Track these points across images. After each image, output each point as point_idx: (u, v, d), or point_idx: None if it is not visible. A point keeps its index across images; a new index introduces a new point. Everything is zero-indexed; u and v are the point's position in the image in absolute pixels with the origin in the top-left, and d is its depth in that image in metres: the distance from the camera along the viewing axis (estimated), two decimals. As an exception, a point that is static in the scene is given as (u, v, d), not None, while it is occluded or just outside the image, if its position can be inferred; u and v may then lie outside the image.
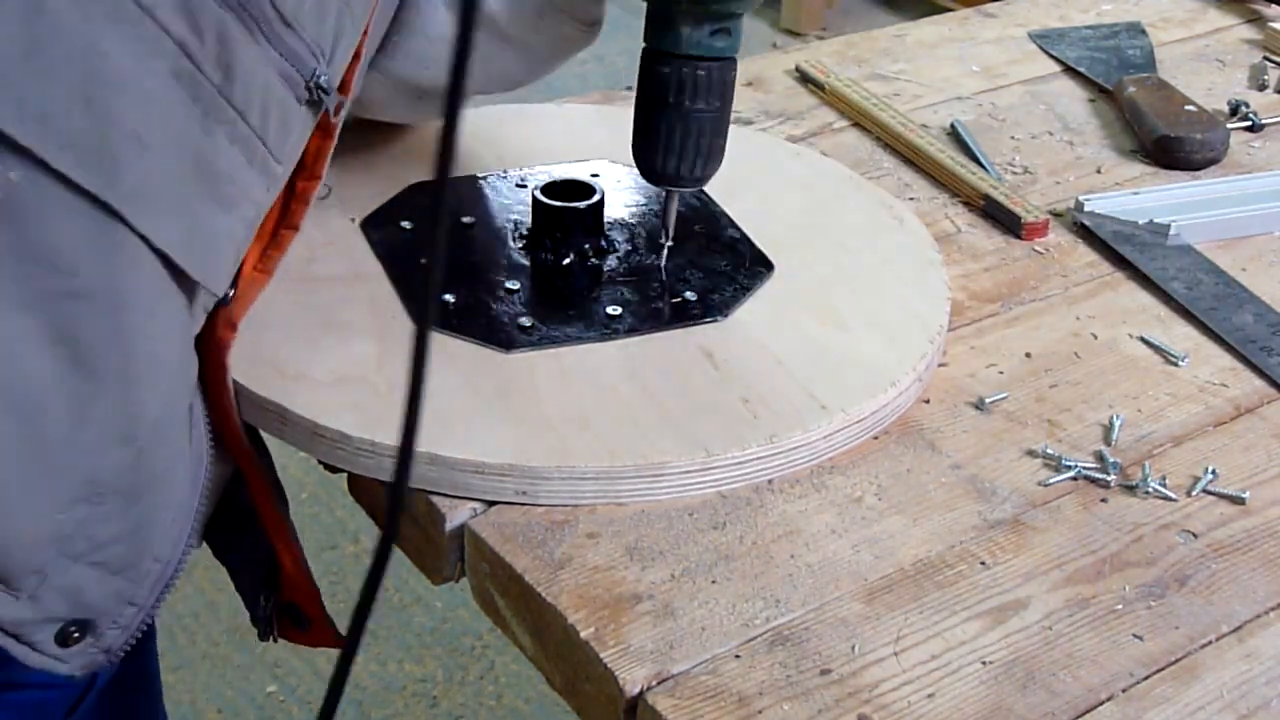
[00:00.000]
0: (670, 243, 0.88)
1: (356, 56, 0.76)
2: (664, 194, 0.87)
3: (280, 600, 0.87)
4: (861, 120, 1.13)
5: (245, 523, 0.83)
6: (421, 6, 0.89)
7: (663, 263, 0.88)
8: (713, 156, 0.84)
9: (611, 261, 0.89)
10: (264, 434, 0.80)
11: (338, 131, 0.76)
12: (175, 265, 0.68)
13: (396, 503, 0.56)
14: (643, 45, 0.81)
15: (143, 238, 0.66)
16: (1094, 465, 0.79)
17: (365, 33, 0.76)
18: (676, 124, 0.82)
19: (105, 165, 0.63)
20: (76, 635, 0.73)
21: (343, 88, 0.75)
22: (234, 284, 0.75)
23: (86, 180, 0.63)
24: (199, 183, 0.68)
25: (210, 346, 0.75)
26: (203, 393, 0.77)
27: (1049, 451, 0.79)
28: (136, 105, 0.64)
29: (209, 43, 0.66)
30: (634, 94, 0.83)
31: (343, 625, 0.63)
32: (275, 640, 0.89)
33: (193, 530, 0.77)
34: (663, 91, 0.81)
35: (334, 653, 0.61)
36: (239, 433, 0.79)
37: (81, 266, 0.64)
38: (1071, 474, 0.78)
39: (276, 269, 0.77)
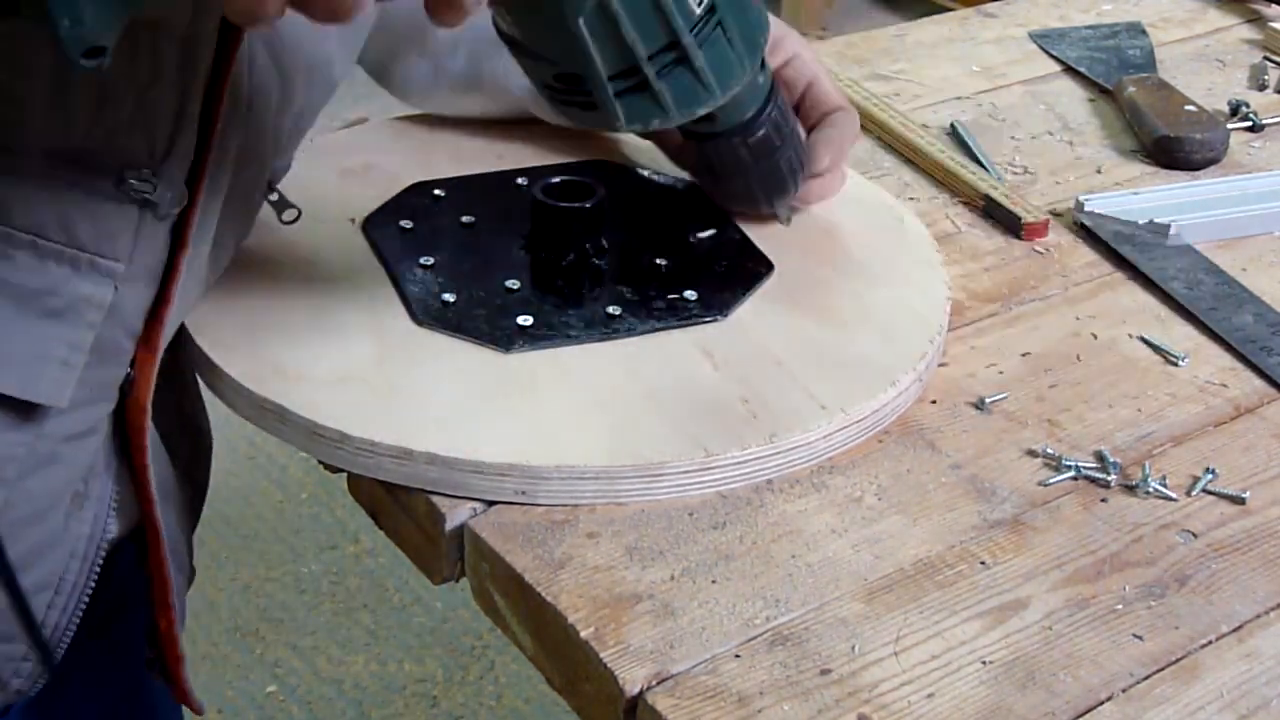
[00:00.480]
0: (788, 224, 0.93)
1: (208, 149, 0.75)
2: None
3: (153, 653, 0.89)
4: (861, 120, 1.12)
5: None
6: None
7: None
8: (794, 182, 0.90)
9: (611, 261, 0.89)
10: (267, 434, 0.80)
11: (193, 227, 0.76)
12: (12, 399, 0.71)
13: None
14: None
15: None
16: (1094, 465, 0.79)
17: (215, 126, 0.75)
18: (753, 181, 0.89)
19: None
20: None
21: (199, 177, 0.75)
22: (131, 365, 0.77)
23: None
24: (9, 304, 0.70)
25: (128, 428, 0.78)
26: (126, 469, 0.79)
27: (1049, 451, 0.79)
28: None
29: None
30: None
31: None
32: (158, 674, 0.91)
33: (86, 591, 0.79)
34: (726, 161, 0.87)
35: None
36: (152, 507, 0.80)
37: None
38: (1071, 474, 0.78)
39: (162, 342, 0.77)
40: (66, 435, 0.75)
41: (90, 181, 0.71)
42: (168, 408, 0.85)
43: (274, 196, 0.88)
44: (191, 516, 0.91)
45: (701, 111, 0.74)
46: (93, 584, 0.80)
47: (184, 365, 0.86)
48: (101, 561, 0.80)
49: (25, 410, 0.72)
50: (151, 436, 0.80)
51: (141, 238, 0.73)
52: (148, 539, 0.82)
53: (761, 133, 0.84)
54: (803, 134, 0.91)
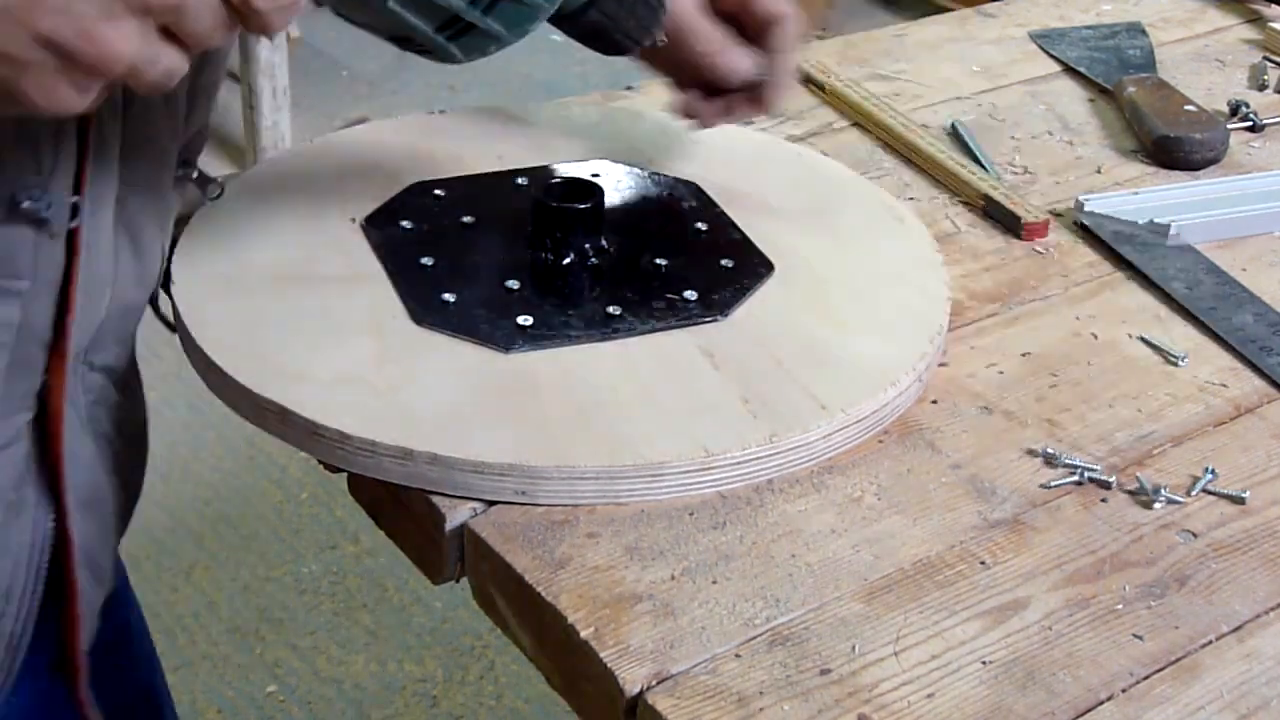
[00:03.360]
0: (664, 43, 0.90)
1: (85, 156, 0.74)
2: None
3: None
4: (862, 120, 1.13)
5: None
6: None
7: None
8: (656, 21, 0.87)
9: (611, 261, 0.89)
10: (267, 434, 0.80)
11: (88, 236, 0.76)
12: None
13: None
14: None
15: None
16: (1094, 465, 0.79)
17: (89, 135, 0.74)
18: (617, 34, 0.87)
19: None
20: None
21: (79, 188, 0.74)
22: (45, 372, 0.77)
23: None
24: None
25: (48, 437, 0.78)
26: (45, 477, 0.79)
27: (1049, 451, 0.79)
28: None
29: None
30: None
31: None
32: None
33: (35, 597, 0.79)
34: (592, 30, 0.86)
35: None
36: (66, 517, 0.80)
37: None
38: (1073, 475, 0.78)
39: (72, 346, 0.77)
40: None
41: None
42: (118, 413, 0.85)
43: (194, 174, 0.88)
44: (120, 523, 0.90)
45: (535, 26, 0.76)
46: (41, 590, 0.80)
47: (134, 369, 0.86)
48: (47, 567, 0.80)
49: None
50: (79, 444, 0.80)
51: (40, 254, 0.73)
52: (61, 547, 0.81)
53: None
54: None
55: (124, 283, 0.80)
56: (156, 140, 0.81)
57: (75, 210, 0.74)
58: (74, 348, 0.77)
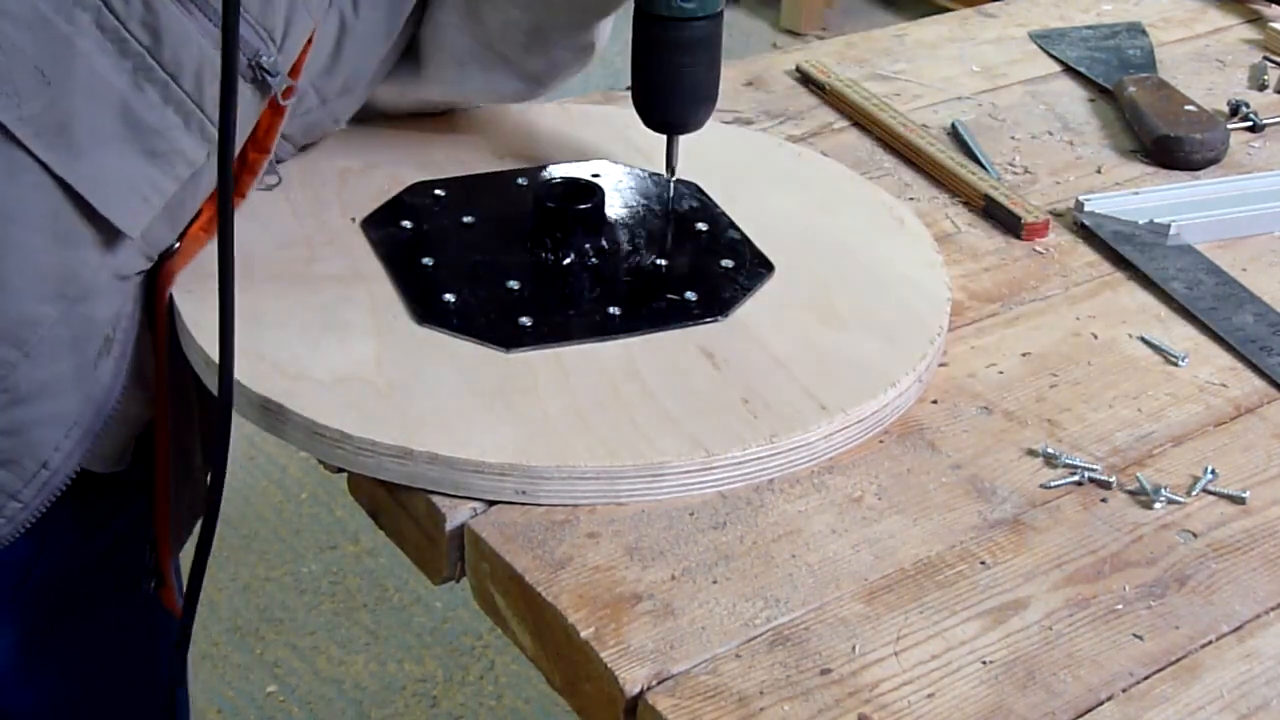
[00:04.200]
0: (674, 177, 0.92)
1: (308, 44, 0.81)
2: (666, 141, 0.91)
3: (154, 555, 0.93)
4: (861, 120, 1.13)
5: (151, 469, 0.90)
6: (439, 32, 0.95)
7: (670, 197, 0.93)
8: (704, 103, 0.89)
9: (611, 261, 0.89)
10: (267, 434, 0.80)
11: (288, 112, 0.83)
12: (79, 196, 0.74)
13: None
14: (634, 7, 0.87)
15: (42, 164, 0.73)
16: (1094, 465, 0.79)
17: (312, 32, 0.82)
18: (670, 78, 0.87)
19: (4, 92, 0.70)
20: None
21: (294, 72, 0.81)
22: (179, 238, 0.82)
23: None
24: (124, 130, 0.75)
25: (155, 297, 0.83)
26: (151, 339, 0.84)
27: (1049, 451, 0.79)
28: (43, 43, 0.71)
29: (134, 5, 0.73)
30: (629, 93, 0.85)
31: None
32: (155, 590, 0.94)
33: (90, 450, 0.83)
34: (654, 50, 0.87)
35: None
36: (163, 385, 0.85)
37: None
38: (1073, 476, 0.78)
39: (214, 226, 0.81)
40: (117, 272, 0.79)
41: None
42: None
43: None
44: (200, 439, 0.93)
45: None
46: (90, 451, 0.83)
47: None
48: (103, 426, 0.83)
49: (103, 233, 0.77)
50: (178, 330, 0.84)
51: (244, 117, 0.79)
52: (156, 422, 0.86)
53: (715, 30, 0.87)
54: None
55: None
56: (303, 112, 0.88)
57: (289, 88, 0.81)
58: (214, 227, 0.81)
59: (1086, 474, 0.78)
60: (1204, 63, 1.25)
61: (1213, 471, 0.79)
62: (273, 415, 0.77)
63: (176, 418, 0.87)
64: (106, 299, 0.80)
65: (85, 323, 0.79)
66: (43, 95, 0.72)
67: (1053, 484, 0.78)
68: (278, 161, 0.93)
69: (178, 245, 0.83)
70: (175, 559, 0.92)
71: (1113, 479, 0.78)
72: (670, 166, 0.91)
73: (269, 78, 0.79)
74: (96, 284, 0.79)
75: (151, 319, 0.84)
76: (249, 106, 0.80)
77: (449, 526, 0.74)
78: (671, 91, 0.87)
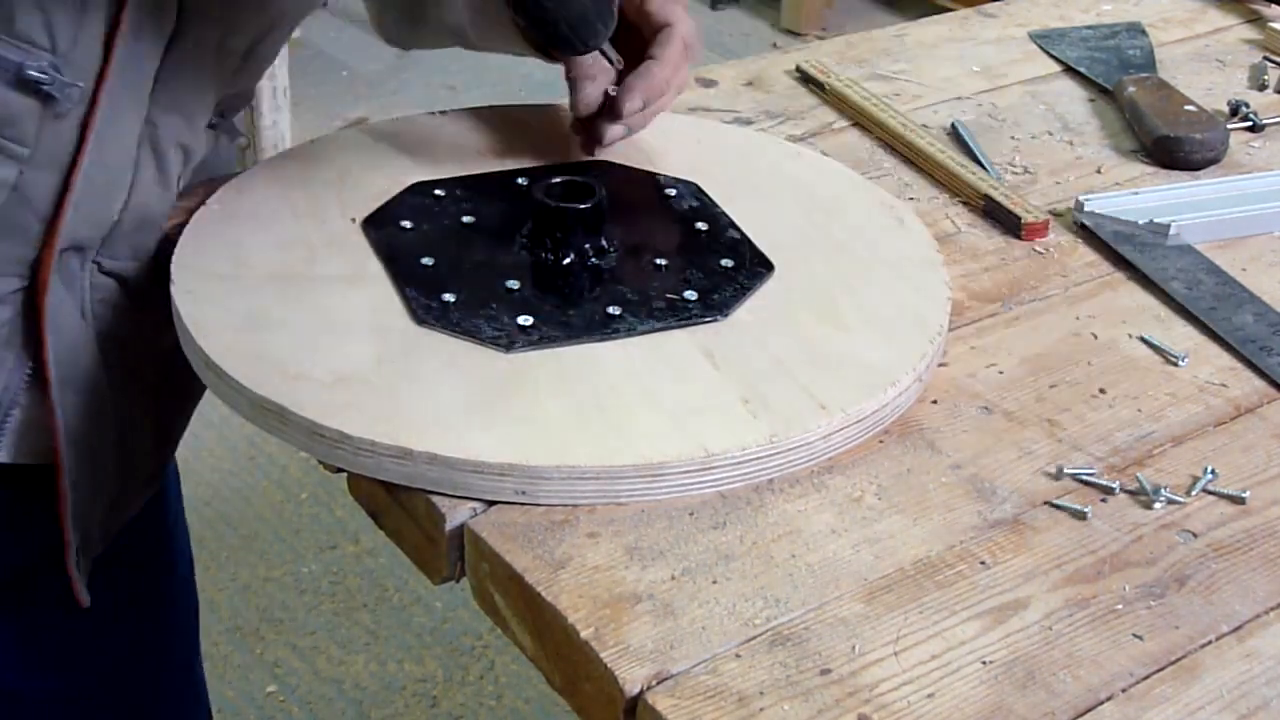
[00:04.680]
0: (621, 67, 0.92)
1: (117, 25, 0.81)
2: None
3: None
4: (861, 120, 1.13)
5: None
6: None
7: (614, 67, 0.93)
8: (602, 21, 0.88)
9: (611, 261, 0.89)
10: (267, 434, 0.80)
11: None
12: None
13: None
14: None
15: None
16: (1094, 467, 0.79)
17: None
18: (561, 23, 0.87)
19: None
20: None
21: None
22: (40, 248, 0.84)
23: None
24: None
25: (37, 300, 0.85)
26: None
27: (1059, 466, 0.79)
28: None
29: None
30: None
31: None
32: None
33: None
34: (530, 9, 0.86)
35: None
36: (48, 385, 0.86)
37: None
38: (1073, 476, 0.78)
39: (63, 227, 0.84)
40: None
41: None
42: (130, 324, 0.90)
43: (226, 125, 0.93)
44: (133, 437, 0.94)
45: None
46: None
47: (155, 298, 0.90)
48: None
49: None
50: (76, 331, 0.86)
51: (45, 129, 0.80)
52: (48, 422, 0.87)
53: None
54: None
55: (143, 193, 0.86)
56: (200, 81, 0.87)
57: (93, 103, 0.81)
58: (70, 232, 0.83)
59: (1087, 475, 0.78)
60: (1204, 63, 1.25)
61: (1213, 471, 0.79)
62: (273, 415, 0.77)
63: (75, 416, 0.88)
64: None
65: None
66: None
67: (1057, 501, 0.77)
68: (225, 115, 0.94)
69: (39, 256, 0.84)
70: (82, 559, 0.92)
71: (1116, 484, 0.78)
72: (610, 60, 0.91)
73: (45, 85, 0.79)
74: None
75: (35, 323, 0.85)
76: (32, 116, 0.80)
77: (449, 526, 0.74)
78: (564, 30, 0.87)
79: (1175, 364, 0.88)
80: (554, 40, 0.88)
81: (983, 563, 0.73)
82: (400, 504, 0.76)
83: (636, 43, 0.94)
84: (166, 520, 1.07)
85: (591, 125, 0.95)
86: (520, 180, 0.96)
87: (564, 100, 1.06)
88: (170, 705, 1.12)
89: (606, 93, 0.92)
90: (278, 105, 2.91)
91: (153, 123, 0.85)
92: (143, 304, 0.90)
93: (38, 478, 0.88)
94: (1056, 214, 1.02)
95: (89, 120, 0.81)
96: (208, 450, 2.22)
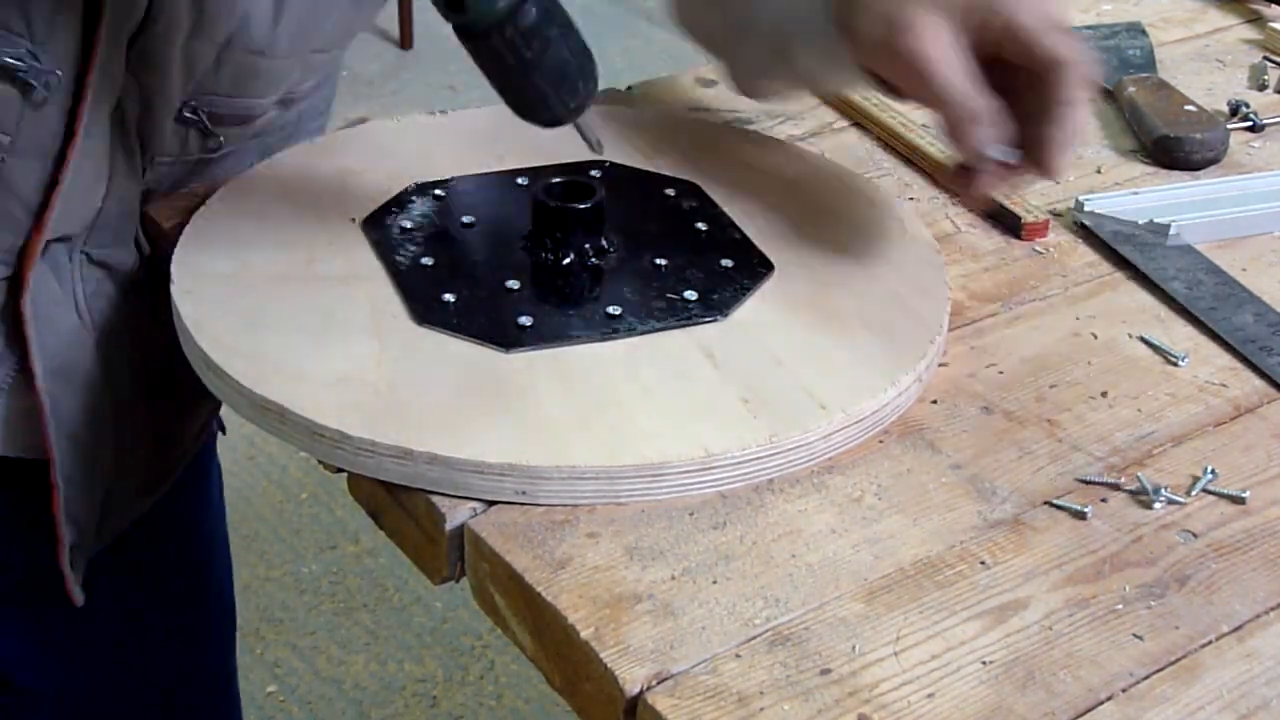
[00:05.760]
0: (601, 153, 0.88)
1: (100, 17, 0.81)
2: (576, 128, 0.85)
3: None
4: (861, 120, 1.13)
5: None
6: None
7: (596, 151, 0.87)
8: (578, 80, 0.81)
9: (611, 261, 0.89)
10: (267, 434, 0.80)
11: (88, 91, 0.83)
12: None
13: None
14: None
15: None
16: (1094, 467, 0.79)
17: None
18: (536, 78, 0.80)
19: None
20: None
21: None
22: (32, 232, 0.84)
23: None
24: None
25: (19, 295, 0.86)
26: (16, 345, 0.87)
27: (1049, 452, 0.79)
28: None
29: None
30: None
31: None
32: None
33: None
34: (501, 60, 0.80)
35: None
36: (33, 380, 0.87)
37: None
38: (1074, 476, 0.78)
39: (51, 220, 0.85)
40: None
41: None
42: (122, 314, 0.90)
43: (200, 121, 0.92)
44: (131, 431, 0.95)
45: None
46: None
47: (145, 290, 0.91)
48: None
49: None
50: (63, 320, 0.86)
51: (26, 117, 0.80)
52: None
53: (531, 16, 0.78)
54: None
55: (120, 182, 0.87)
56: (166, 76, 0.86)
57: (79, 93, 0.81)
58: (58, 224, 0.84)
59: (1085, 476, 0.78)
60: (1204, 63, 1.25)
61: (1212, 471, 0.79)
62: (273, 415, 0.77)
63: (67, 409, 0.88)
64: None
65: None
66: None
67: (1057, 501, 0.77)
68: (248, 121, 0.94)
69: (32, 239, 0.84)
70: (74, 556, 0.92)
71: (1116, 482, 0.78)
72: (592, 143, 0.86)
73: (21, 73, 0.79)
74: None
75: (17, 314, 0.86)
76: (11, 104, 0.80)
77: (449, 526, 0.74)
78: (542, 86, 0.80)
79: (1175, 364, 0.88)
80: (523, 106, 0.82)
81: (983, 563, 0.73)
82: (400, 504, 0.76)
83: (1018, 79, 0.80)
84: (202, 523, 1.07)
85: (983, 176, 0.83)
86: (520, 180, 0.96)
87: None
88: (203, 708, 1.12)
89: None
90: (278, 105, 2.91)
91: (121, 109, 0.86)
92: (134, 295, 0.90)
93: (41, 474, 0.88)
94: (1056, 214, 1.02)
95: (77, 111, 0.81)
96: (208, 450, 2.22)
